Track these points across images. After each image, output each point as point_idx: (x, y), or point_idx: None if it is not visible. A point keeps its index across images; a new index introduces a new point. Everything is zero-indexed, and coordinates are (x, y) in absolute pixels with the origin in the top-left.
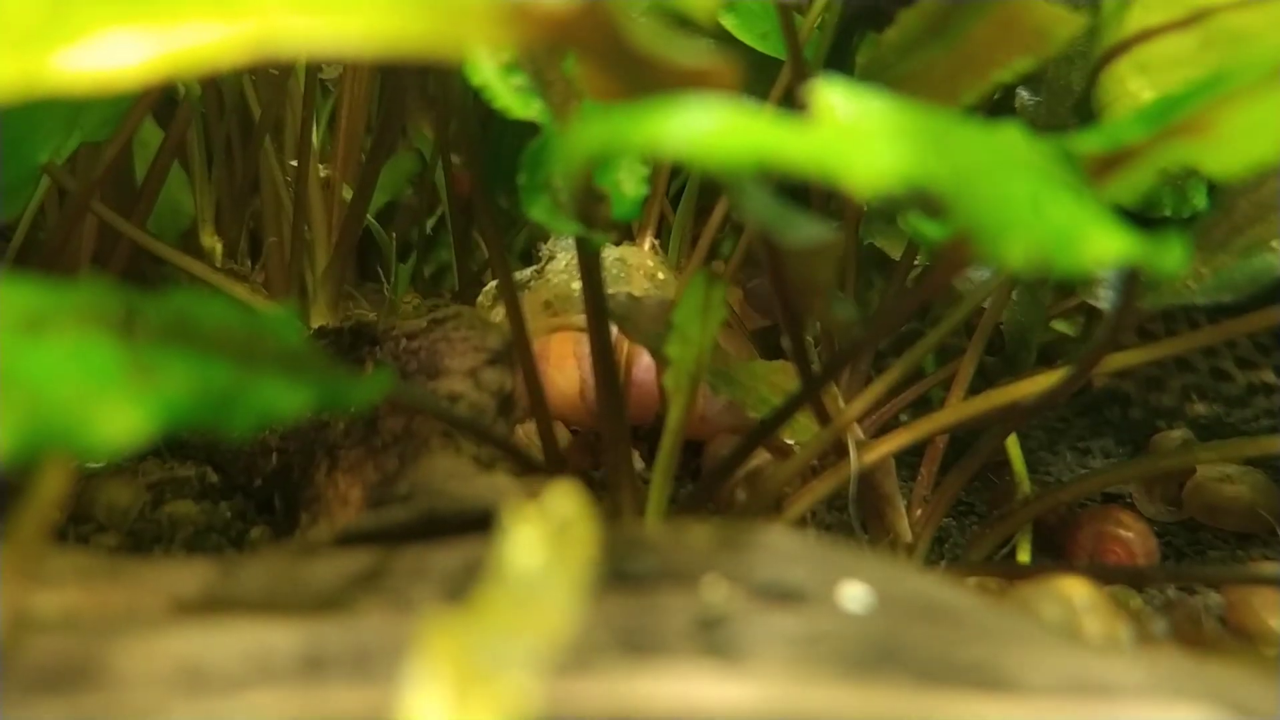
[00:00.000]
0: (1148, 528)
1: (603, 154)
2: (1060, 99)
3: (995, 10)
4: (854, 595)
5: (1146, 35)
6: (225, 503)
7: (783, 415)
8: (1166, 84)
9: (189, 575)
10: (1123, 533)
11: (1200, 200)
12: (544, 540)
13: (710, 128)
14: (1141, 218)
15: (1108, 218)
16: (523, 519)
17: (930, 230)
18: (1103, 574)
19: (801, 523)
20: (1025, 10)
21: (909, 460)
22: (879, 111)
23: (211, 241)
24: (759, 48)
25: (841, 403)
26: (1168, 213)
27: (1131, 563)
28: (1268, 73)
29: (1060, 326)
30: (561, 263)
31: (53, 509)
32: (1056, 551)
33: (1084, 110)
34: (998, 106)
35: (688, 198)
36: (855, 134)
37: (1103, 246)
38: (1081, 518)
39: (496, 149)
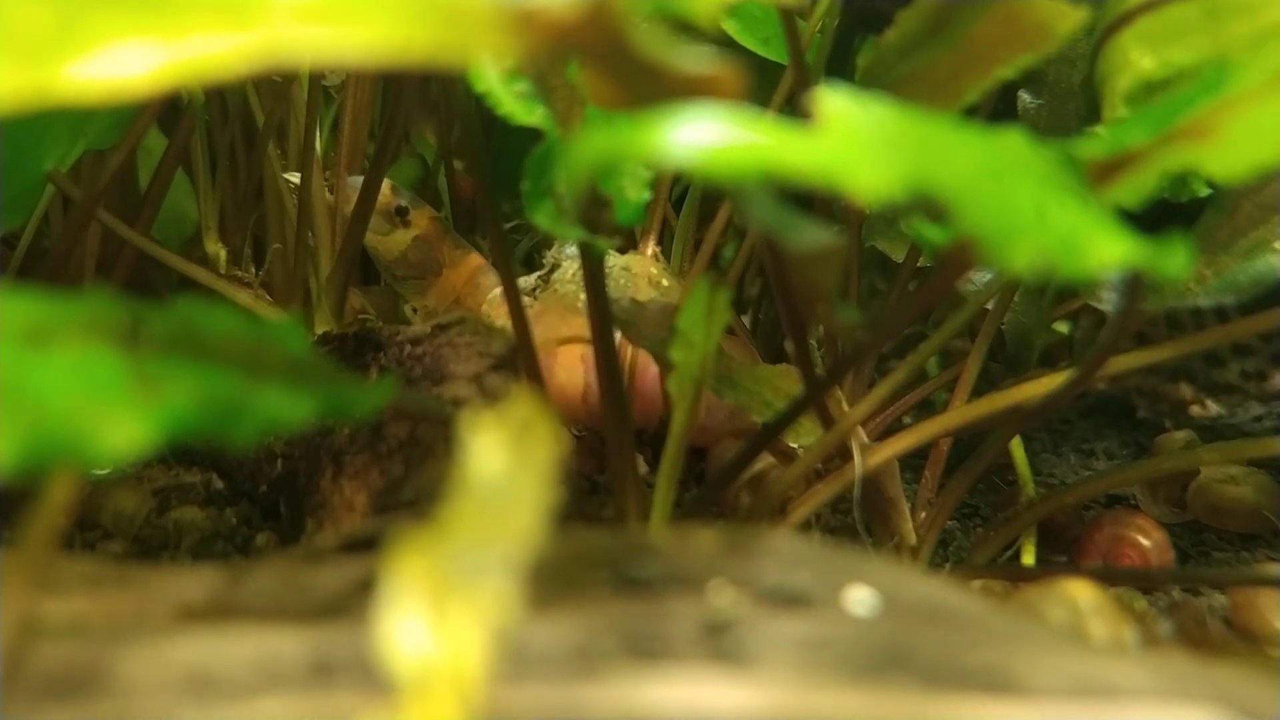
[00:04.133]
0: (1166, 538)
1: (608, 165)
2: (1063, 101)
3: (996, 8)
4: (860, 599)
5: (1151, 5)
6: (231, 509)
7: (787, 419)
8: (1169, 55)
9: (196, 582)
10: (1141, 539)
11: (1200, 186)
12: (505, 444)
13: (715, 140)
14: (1143, 215)
15: (1112, 222)
16: (480, 426)
17: (933, 234)
18: (1107, 576)
19: (806, 526)
20: (1026, 7)
21: (913, 463)
22: (882, 119)
23: (215, 248)
24: (761, 52)
25: (845, 406)
26: (1166, 198)
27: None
28: (1271, 76)
29: (1063, 328)
30: (568, 272)
31: (60, 517)
32: (1064, 549)
33: (1087, 112)
34: (1000, 109)
35: (690, 203)
36: (859, 143)
37: (1107, 251)
38: (1102, 519)
39: (499, 155)
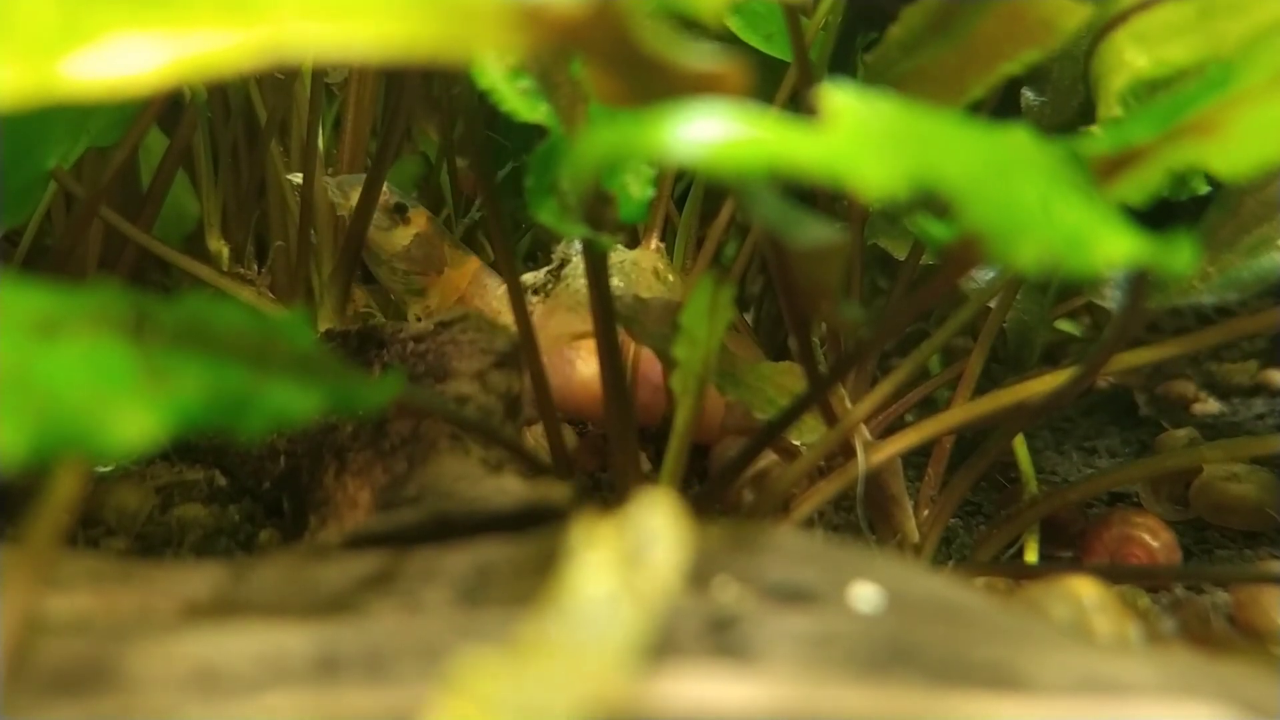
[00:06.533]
0: (1174, 538)
1: (612, 162)
2: (1066, 98)
3: (1000, 5)
4: (865, 596)
5: (1146, 4)
6: (234, 506)
7: (790, 417)
8: (1163, 54)
9: (200, 578)
10: (1149, 539)
11: (1200, 184)
12: (615, 568)
13: (720, 136)
14: (1146, 213)
15: (1117, 219)
16: (594, 541)
17: (938, 231)
18: (1111, 573)
19: (809, 523)
20: (1030, 4)
21: (916, 461)
22: (888, 115)
23: (218, 245)
24: (764, 49)
25: (848, 404)
26: (1166, 195)
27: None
28: (1276, 73)
29: (1065, 326)
30: (580, 267)
31: (64, 513)
32: (1067, 546)
33: (1090, 109)
34: (1003, 106)
35: (693, 200)
36: (865, 139)
37: (1113, 247)
38: (1110, 518)
39: (500, 152)
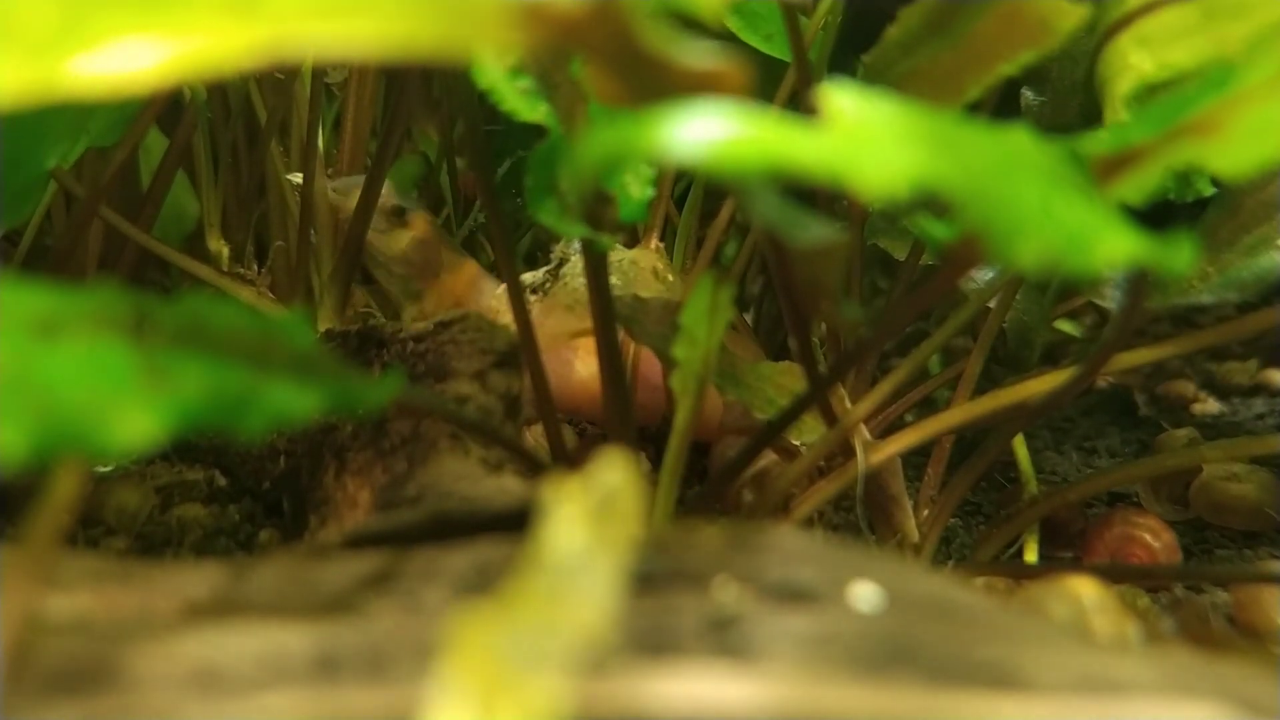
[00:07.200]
0: (1175, 539)
1: (612, 162)
2: (1066, 98)
3: (998, 5)
4: (865, 595)
5: (1149, 8)
6: (234, 506)
7: (789, 416)
8: (1168, 57)
9: (200, 578)
10: (1150, 540)
11: (1205, 186)
12: (586, 520)
13: (720, 135)
14: (1147, 213)
15: (1117, 219)
16: (563, 497)
17: (938, 231)
18: (1111, 573)
19: (809, 523)
20: (1028, 4)
21: (916, 461)
22: (889, 115)
23: (218, 245)
24: (764, 49)
25: (848, 404)
26: (1171, 197)
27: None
28: (1276, 73)
29: (1065, 326)
30: (578, 266)
31: (64, 513)
32: (1067, 545)
33: (1089, 109)
34: (1003, 106)
35: (693, 200)
36: (866, 138)
37: (1113, 247)
38: (1113, 518)
39: (502, 143)
